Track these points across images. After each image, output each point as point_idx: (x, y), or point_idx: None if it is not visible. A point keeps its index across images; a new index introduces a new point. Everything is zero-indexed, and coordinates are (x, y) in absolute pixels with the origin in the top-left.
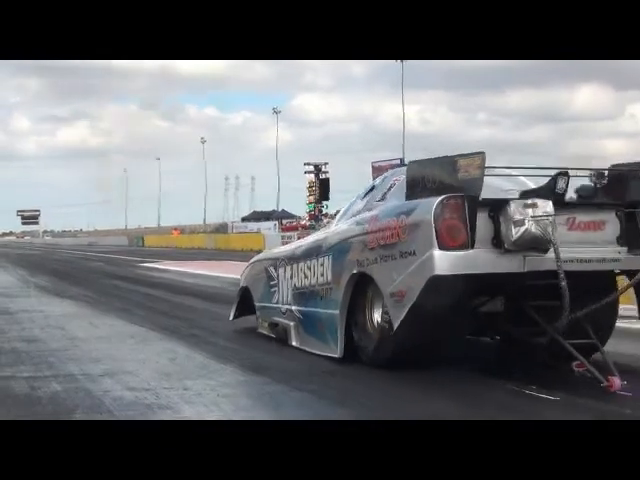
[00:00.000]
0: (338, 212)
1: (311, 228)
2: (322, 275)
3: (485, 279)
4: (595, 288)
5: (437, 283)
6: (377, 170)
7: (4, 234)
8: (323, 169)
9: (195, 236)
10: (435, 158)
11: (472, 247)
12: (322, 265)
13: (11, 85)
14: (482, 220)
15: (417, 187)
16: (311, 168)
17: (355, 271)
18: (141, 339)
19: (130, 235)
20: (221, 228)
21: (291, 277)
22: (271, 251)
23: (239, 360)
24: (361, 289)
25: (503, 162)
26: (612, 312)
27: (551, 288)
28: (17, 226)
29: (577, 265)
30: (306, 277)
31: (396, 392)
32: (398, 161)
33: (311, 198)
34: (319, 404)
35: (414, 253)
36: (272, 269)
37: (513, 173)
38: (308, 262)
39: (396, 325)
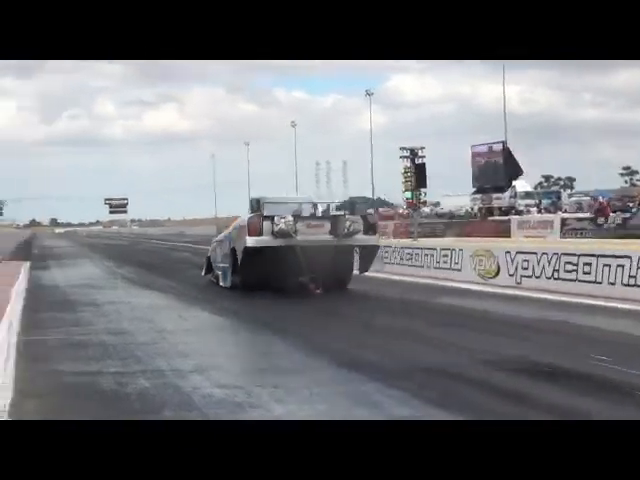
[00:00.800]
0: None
1: (410, 217)
2: (225, 248)
3: (266, 248)
4: (328, 256)
5: (248, 249)
6: (477, 155)
7: (91, 224)
8: (419, 154)
9: None
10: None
11: (261, 235)
12: (225, 243)
13: (96, 70)
14: (267, 224)
15: (253, 210)
16: (406, 153)
17: (231, 245)
18: (231, 332)
19: (219, 224)
20: None
21: (220, 250)
22: (218, 236)
23: (335, 356)
24: (233, 253)
25: (608, 145)
26: (348, 267)
27: (295, 253)
28: (104, 215)
29: (310, 243)
30: (221, 249)
31: (503, 391)
32: (500, 145)
33: (407, 185)
34: (417, 404)
35: (244, 237)
36: (216, 245)
37: (289, 201)
38: (223, 242)
39: (242, 267)
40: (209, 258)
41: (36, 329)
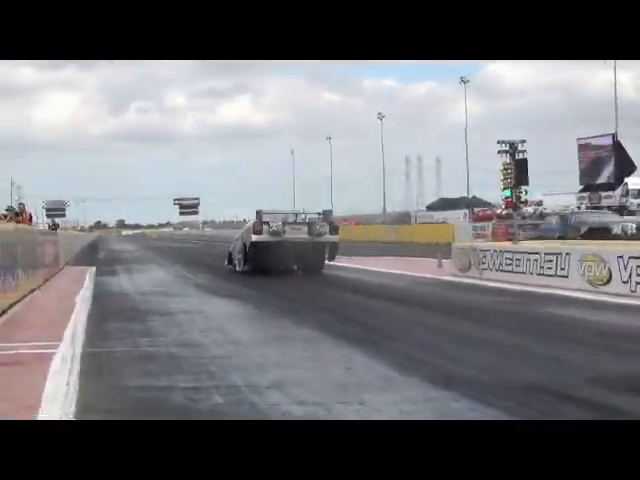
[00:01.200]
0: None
1: (509, 218)
2: (239, 244)
3: (264, 242)
4: (306, 249)
5: (252, 243)
6: (584, 148)
7: (160, 226)
8: (519, 148)
9: (373, 227)
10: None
11: (262, 234)
12: (239, 241)
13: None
14: (266, 227)
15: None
16: (505, 147)
17: (243, 241)
18: (312, 344)
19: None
20: (403, 218)
21: (236, 245)
22: (236, 236)
23: (426, 371)
24: (244, 247)
25: None
26: (321, 258)
27: (283, 246)
28: (175, 216)
29: (293, 240)
30: (237, 245)
31: (611, 412)
32: (610, 138)
33: (506, 182)
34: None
35: (251, 235)
36: (234, 242)
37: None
38: (238, 240)
39: (250, 257)
40: (230, 252)
41: (102, 340)
